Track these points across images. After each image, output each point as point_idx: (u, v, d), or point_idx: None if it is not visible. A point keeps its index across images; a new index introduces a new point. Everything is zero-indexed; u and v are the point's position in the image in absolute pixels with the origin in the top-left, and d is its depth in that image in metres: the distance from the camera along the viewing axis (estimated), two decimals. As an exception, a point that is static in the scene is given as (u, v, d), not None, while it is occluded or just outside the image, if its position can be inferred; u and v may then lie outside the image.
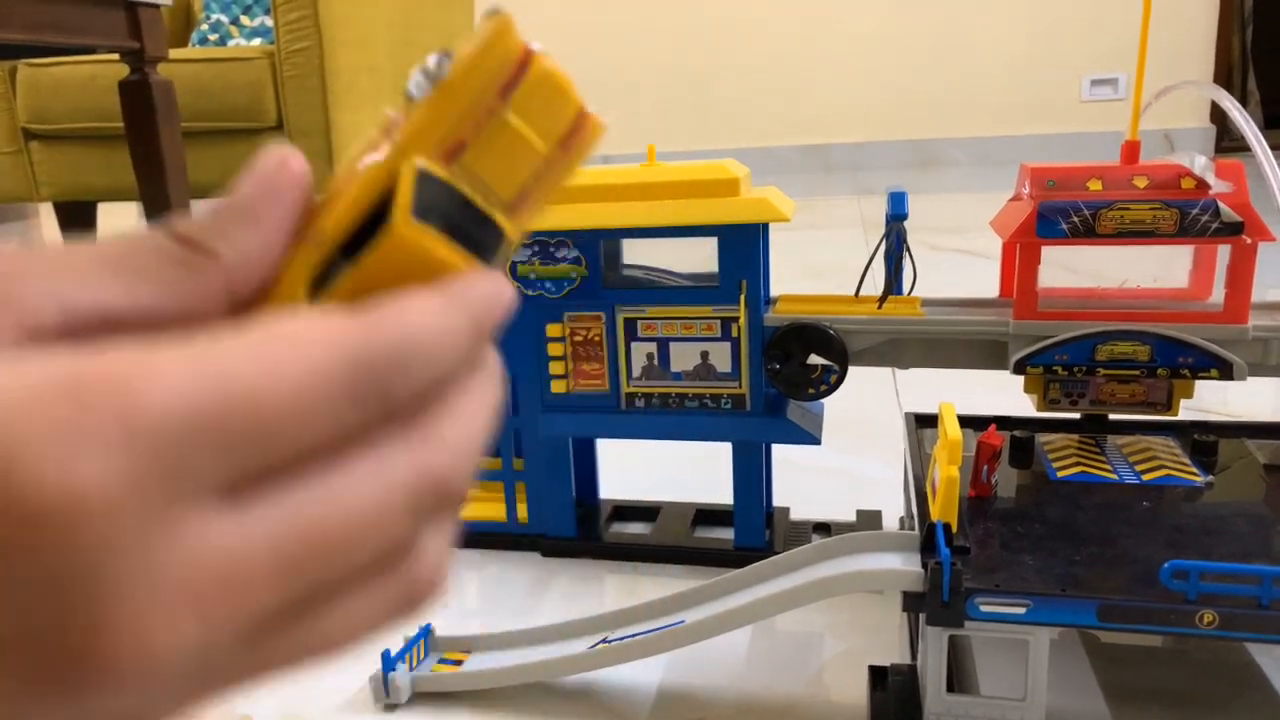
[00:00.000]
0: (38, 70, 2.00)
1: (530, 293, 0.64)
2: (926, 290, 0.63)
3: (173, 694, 0.14)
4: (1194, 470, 0.55)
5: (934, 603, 0.43)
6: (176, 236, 0.17)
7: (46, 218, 2.30)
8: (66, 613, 0.12)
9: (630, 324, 0.63)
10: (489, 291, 0.17)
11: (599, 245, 0.63)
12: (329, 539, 0.14)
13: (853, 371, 0.61)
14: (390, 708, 0.51)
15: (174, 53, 1.74)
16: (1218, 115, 3.17)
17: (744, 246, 0.60)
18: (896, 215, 0.58)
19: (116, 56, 1.60)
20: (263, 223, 0.17)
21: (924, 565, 0.44)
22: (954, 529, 0.45)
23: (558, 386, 0.66)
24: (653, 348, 0.64)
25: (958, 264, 1.68)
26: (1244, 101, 3.51)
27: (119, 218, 2.77)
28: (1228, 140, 3.28)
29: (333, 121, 1.93)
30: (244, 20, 2.36)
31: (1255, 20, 3.52)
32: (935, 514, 0.46)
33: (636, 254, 0.68)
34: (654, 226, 0.61)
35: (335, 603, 0.15)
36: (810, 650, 0.56)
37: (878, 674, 0.51)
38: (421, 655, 0.54)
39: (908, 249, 0.61)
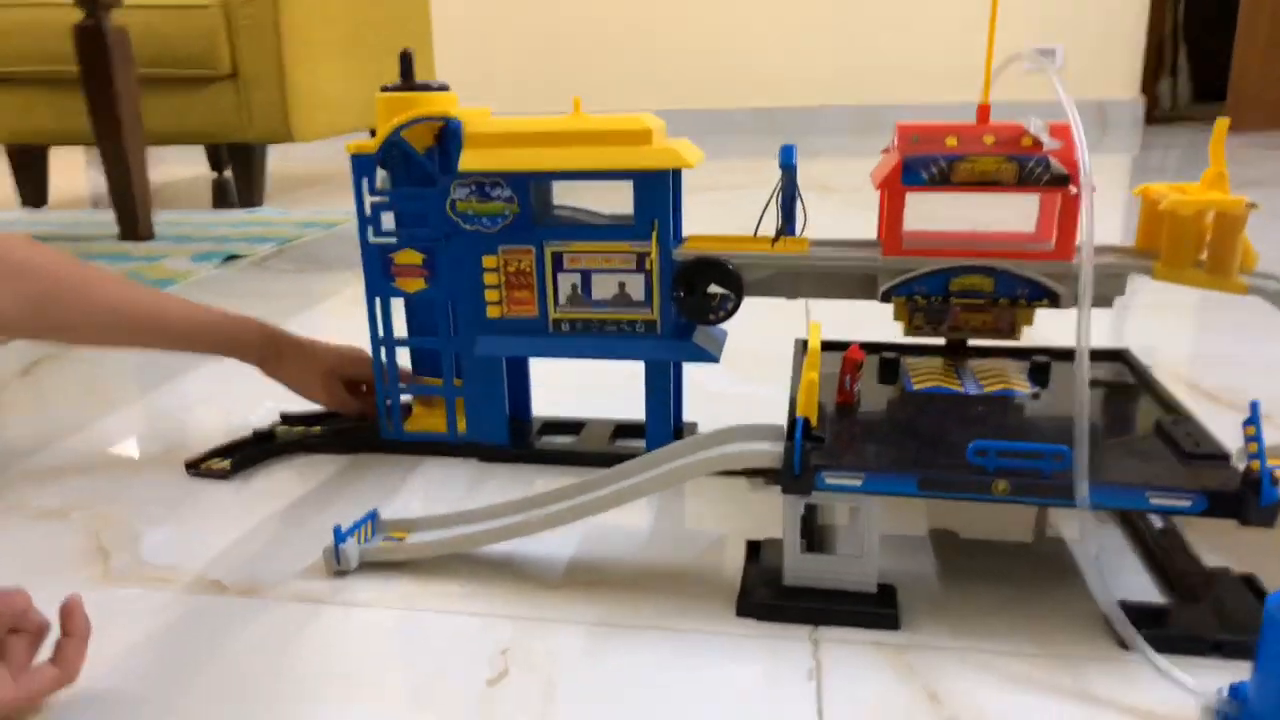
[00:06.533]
0: (-12, 13, 1.99)
1: (468, 227, 0.73)
2: (821, 230, 0.73)
3: None
4: (1027, 385, 0.66)
5: (788, 476, 0.53)
6: None
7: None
8: None
9: (557, 257, 0.72)
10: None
11: (528, 186, 0.71)
12: None
13: (767, 313, 0.70)
14: (340, 574, 0.60)
15: (130, -1, 1.75)
16: (1149, 87, 3.31)
17: (655, 190, 0.69)
18: (786, 165, 0.68)
19: (70, 1, 1.62)
20: None
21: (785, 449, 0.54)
22: (814, 424, 0.55)
23: (493, 311, 0.75)
24: (577, 278, 0.72)
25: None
26: (1174, 74, 3.65)
27: (71, 160, 2.76)
28: (1158, 111, 3.42)
29: (288, 73, 1.97)
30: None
31: (1186, -3, 3.63)
32: (799, 411, 0.56)
33: (565, 196, 0.77)
34: (576, 170, 0.69)
35: None
36: (704, 531, 0.66)
37: (753, 546, 0.61)
38: (370, 535, 0.63)
39: (799, 196, 0.71)
